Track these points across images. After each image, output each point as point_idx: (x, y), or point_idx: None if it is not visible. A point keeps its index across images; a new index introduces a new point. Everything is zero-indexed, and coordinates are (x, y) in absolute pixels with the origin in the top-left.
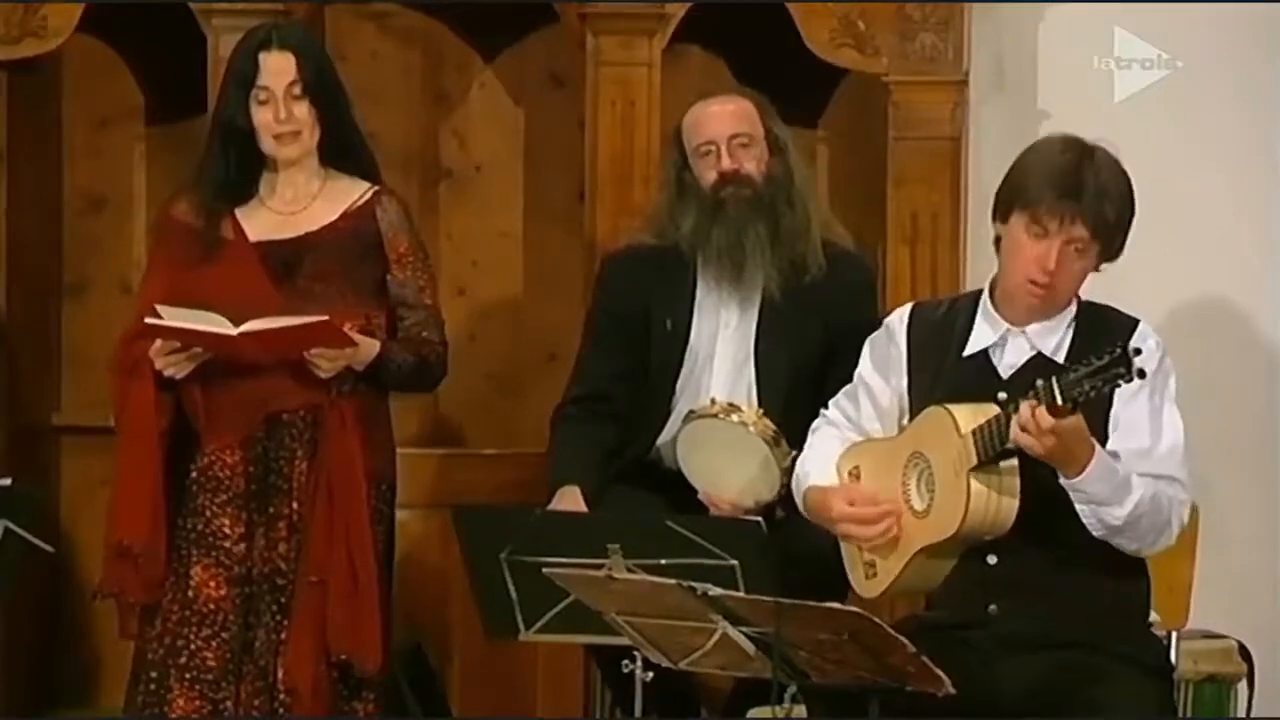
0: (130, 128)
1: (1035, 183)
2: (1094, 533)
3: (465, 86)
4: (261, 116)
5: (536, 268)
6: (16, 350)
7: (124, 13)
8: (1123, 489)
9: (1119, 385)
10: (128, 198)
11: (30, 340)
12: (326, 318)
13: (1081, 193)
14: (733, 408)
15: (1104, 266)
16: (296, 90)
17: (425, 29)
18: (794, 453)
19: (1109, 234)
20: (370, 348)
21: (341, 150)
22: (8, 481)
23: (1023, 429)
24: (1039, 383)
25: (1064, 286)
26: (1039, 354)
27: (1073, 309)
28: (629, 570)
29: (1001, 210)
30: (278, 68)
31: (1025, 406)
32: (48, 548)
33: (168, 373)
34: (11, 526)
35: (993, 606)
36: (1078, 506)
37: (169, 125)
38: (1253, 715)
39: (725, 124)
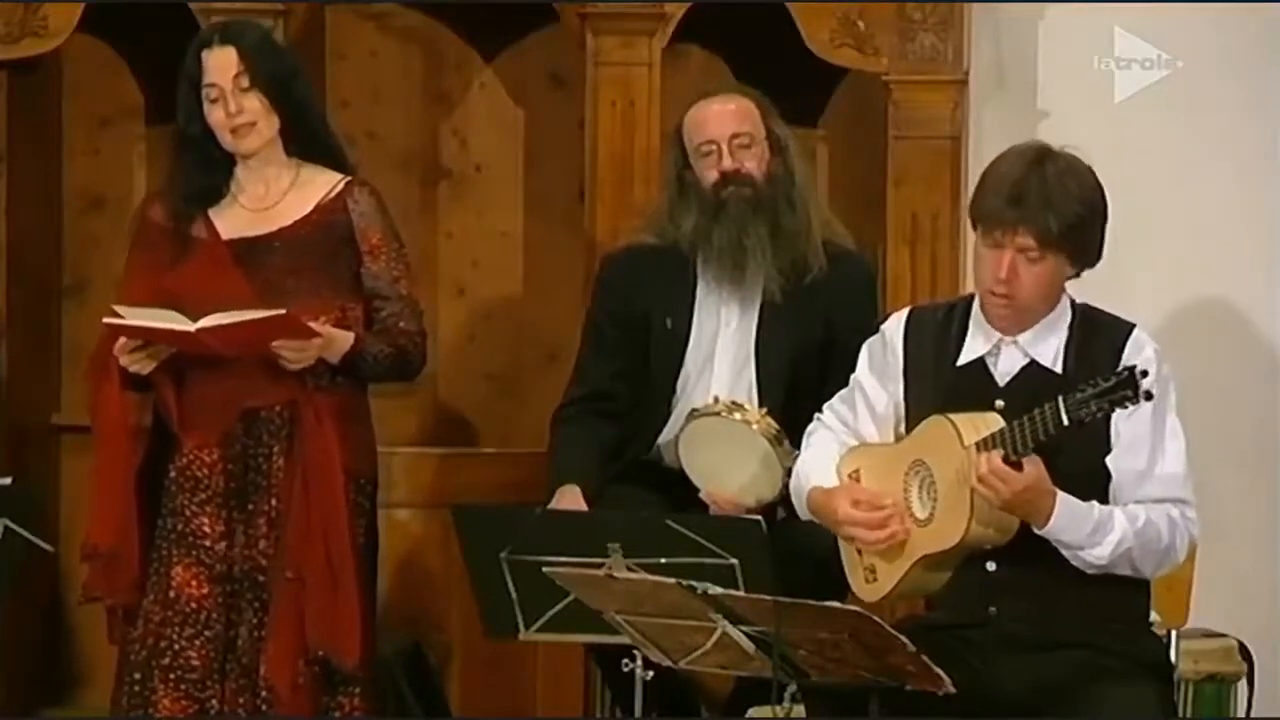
0: (130, 128)
1: (987, 195)
2: (1086, 570)
3: (465, 86)
4: (215, 115)
5: (536, 268)
6: (16, 350)
7: (124, 13)
8: (1101, 530)
9: (1125, 407)
10: (128, 197)
11: (30, 340)
12: (284, 311)
13: (1023, 202)
14: (736, 406)
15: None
16: (244, 83)
17: (425, 29)
18: (796, 452)
19: (1061, 241)
20: (344, 340)
21: (307, 141)
22: (8, 481)
23: (980, 481)
24: (1045, 405)
25: (1027, 294)
26: (1033, 362)
27: (1067, 315)
28: (629, 569)
29: (971, 221)
30: (219, 63)
31: (981, 459)
32: (47, 547)
33: (133, 369)
34: (11, 526)
35: (993, 608)
36: (1061, 551)
37: (169, 125)
38: (1253, 715)
39: (726, 123)
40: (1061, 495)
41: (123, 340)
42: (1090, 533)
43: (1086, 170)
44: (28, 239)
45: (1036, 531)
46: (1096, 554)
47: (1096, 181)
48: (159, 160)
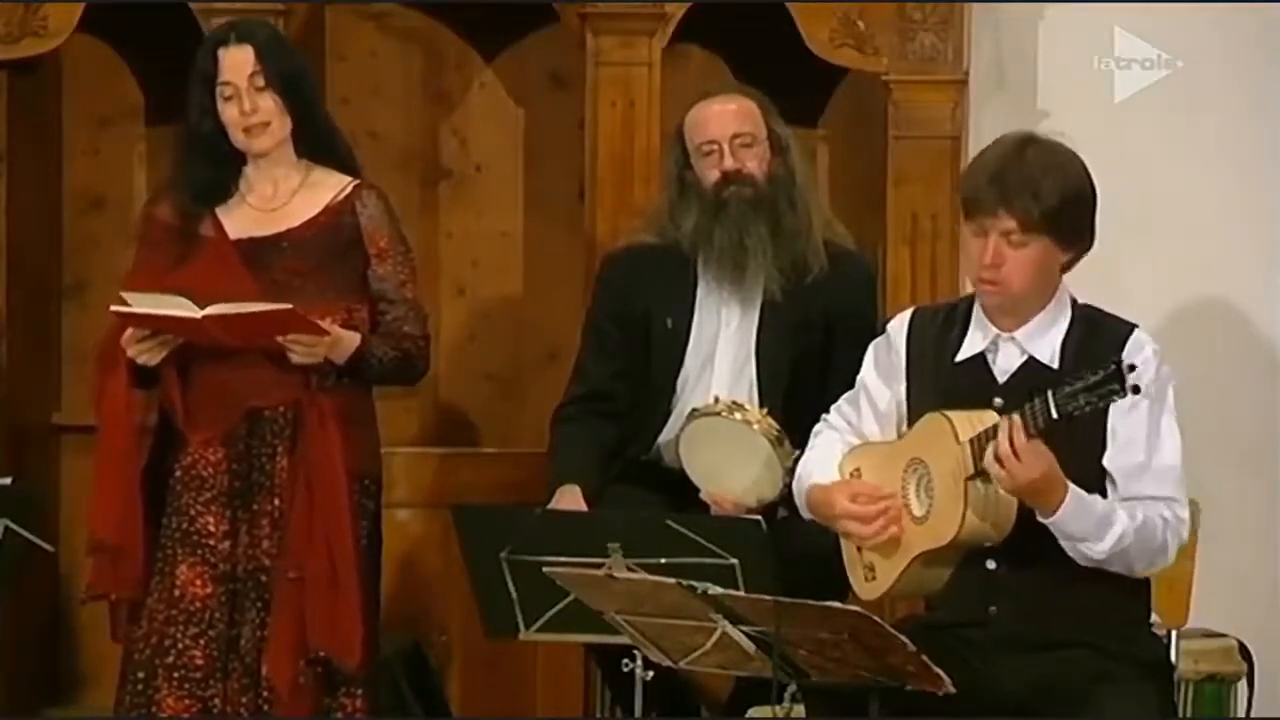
0: (130, 128)
1: (970, 181)
2: (1080, 563)
3: (465, 86)
4: (228, 113)
5: (536, 268)
6: (16, 350)
7: (124, 13)
8: (1104, 524)
9: (1113, 401)
10: (128, 198)
11: (30, 340)
12: (290, 306)
13: (1003, 186)
14: (736, 406)
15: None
16: (259, 82)
17: (425, 29)
18: (797, 452)
19: (1043, 223)
20: (350, 340)
21: (316, 142)
22: (8, 481)
23: (998, 460)
24: (1035, 399)
25: (1016, 280)
26: (1031, 358)
27: (1067, 313)
28: (629, 569)
29: (962, 213)
30: (236, 61)
31: (1003, 438)
32: (48, 547)
33: (140, 360)
34: (11, 526)
35: (993, 608)
36: (1060, 541)
37: (169, 125)
38: (1253, 715)
39: (727, 123)
40: (1073, 486)
41: (130, 331)
42: (1095, 525)
43: (1070, 154)
44: (28, 239)
45: (1041, 520)
46: (1098, 548)
47: (1081, 165)
48: (159, 160)
